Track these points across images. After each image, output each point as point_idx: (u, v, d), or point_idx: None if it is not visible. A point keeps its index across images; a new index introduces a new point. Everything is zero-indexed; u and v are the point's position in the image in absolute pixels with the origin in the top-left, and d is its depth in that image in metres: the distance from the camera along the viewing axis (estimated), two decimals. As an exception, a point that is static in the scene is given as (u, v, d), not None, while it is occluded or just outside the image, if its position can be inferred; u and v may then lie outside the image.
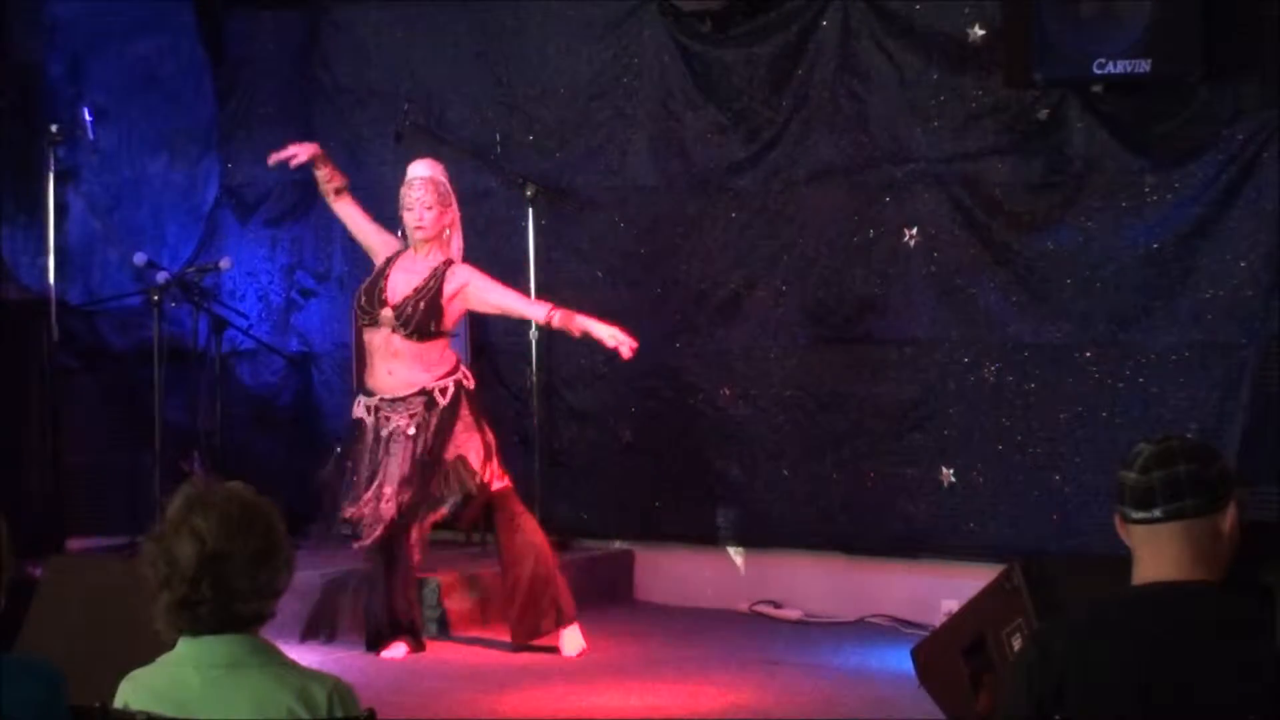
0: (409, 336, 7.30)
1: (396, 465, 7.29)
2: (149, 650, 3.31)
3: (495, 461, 7.41)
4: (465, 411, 7.34)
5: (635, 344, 7.28)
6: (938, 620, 6.81)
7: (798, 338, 8.20)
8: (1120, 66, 7.00)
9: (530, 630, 7.47)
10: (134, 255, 8.86)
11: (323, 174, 7.58)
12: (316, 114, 9.45)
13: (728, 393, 8.38)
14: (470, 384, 7.41)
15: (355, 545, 7.42)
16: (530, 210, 8.59)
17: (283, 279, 9.56)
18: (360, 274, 8.04)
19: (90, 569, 5.81)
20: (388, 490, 7.28)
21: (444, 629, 7.85)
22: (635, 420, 8.64)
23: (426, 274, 7.35)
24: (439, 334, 7.35)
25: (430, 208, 7.38)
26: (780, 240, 8.24)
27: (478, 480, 7.34)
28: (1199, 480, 3.07)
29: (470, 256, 7.59)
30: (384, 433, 7.33)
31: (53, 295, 8.55)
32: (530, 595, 7.44)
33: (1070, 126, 7.48)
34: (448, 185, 7.49)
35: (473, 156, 8.69)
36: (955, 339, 7.78)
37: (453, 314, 7.40)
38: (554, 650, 7.47)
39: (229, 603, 3.17)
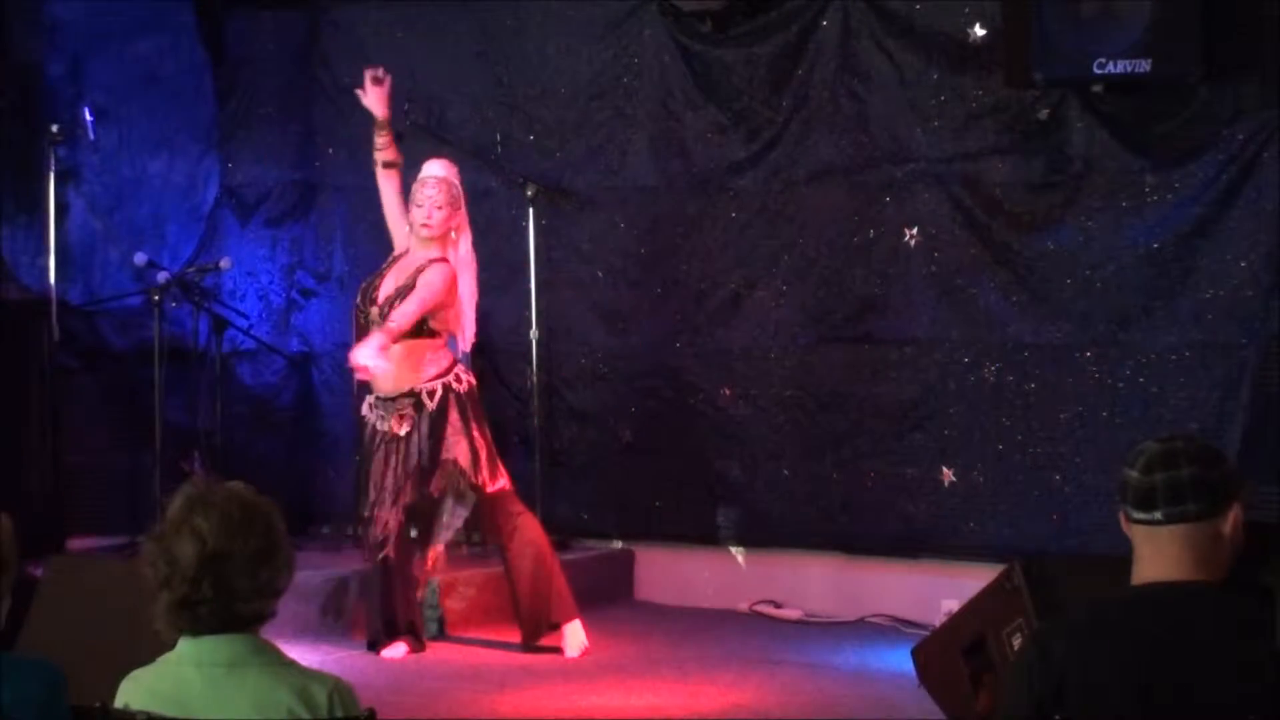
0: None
1: (391, 468, 7.31)
2: (149, 650, 3.31)
3: (492, 463, 7.41)
4: (454, 415, 7.33)
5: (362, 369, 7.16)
6: (938, 620, 6.81)
7: (798, 338, 8.21)
8: (1120, 66, 7.00)
9: (538, 629, 7.47)
10: (134, 255, 8.86)
11: (381, 140, 7.58)
12: (317, 114, 9.45)
13: (728, 393, 8.38)
14: (461, 387, 7.38)
15: (367, 553, 7.46)
16: (530, 210, 8.59)
17: (283, 279, 9.56)
18: (360, 274, 8.05)
19: (90, 569, 5.80)
20: (387, 496, 7.30)
21: (444, 629, 7.85)
22: (635, 420, 8.64)
23: (411, 271, 7.36)
24: (422, 333, 7.32)
25: (440, 207, 7.38)
26: (780, 240, 8.24)
27: (467, 482, 7.34)
28: (1202, 483, 3.07)
29: (471, 257, 7.60)
30: (381, 430, 7.35)
31: (53, 295, 8.56)
32: (534, 594, 7.45)
33: (1070, 126, 7.48)
34: (459, 188, 7.48)
35: (473, 156, 8.69)
36: (955, 339, 7.78)
37: (435, 313, 7.35)
38: (555, 650, 7.47)
39: (229, 602, 3.17)
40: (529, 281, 8.58)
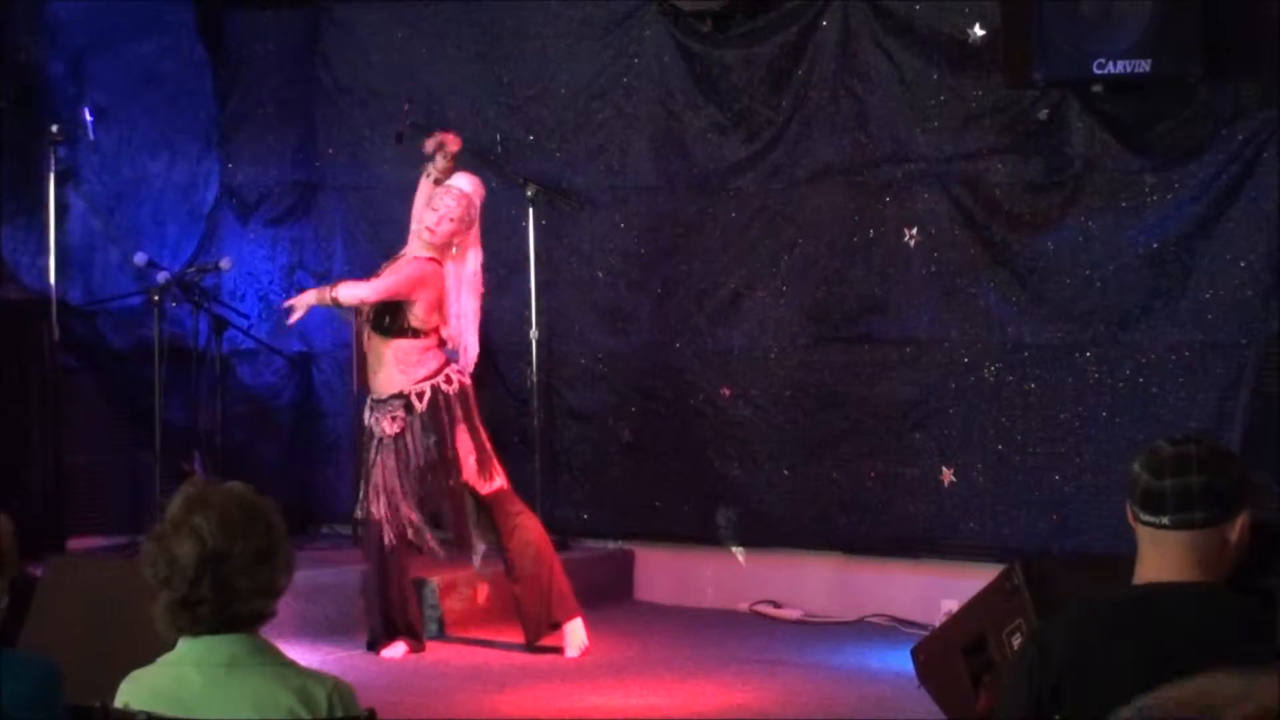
0: (375, 331, 7.35)
1: (389, 469, 7.32)
2: (149, 650, 3.31)
3: (487, 465, 7.41)
4: (443, 417, 7.33)
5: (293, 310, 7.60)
6: (938, 620, 6.81)
7: (798, 338, 8.20)
8: (1120, 66, 7.00)
9: (541, 628, 7.47)
10: (134, 255, 8.86)
11: (443, 164, 7.57)
12: (317, 114, 9.45)
13: (728, 393, 8.38)
14: (451, 388, 7.38)
15: (367, 553, 7.48)
16: (530, 210, 8.59)
17: (283, 279, 9.56)
18: (360, 274, 8.05)
19: (90, 569, 5.81)
20: (385, 497, 7.31)
21: (443, 629, 7.85)
22: (635, 420, 8.64)
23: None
24: (404, 331, 7.32)
25: (452, 220, 7.38)
26: (780, 240, 8.24)
27: (452, 482, 7.35)
28: (1211, 491, 3.05)
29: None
30: (376, 434, 7.37)
31: (53, 295, 8.56)
32: (535, 594, 7.45)
33: (1070, 126, 7.47)
34: (478, 210, 7.48)
35: (473, 156, 8.69)
36: (955, 339, 7.78)
37: (414, 310, 7.36)
38: (555, 650, 7.47)
39: (229, 602, 3.17)
40: (529, 281, 8.58)
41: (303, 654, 6.77)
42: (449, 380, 7.37)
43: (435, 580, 7.86)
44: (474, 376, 7.60)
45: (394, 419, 7.32)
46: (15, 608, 3.80)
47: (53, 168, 8.59)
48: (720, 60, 8.38)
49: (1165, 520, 3.06)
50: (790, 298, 8.21)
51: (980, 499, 7.73)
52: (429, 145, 7.63)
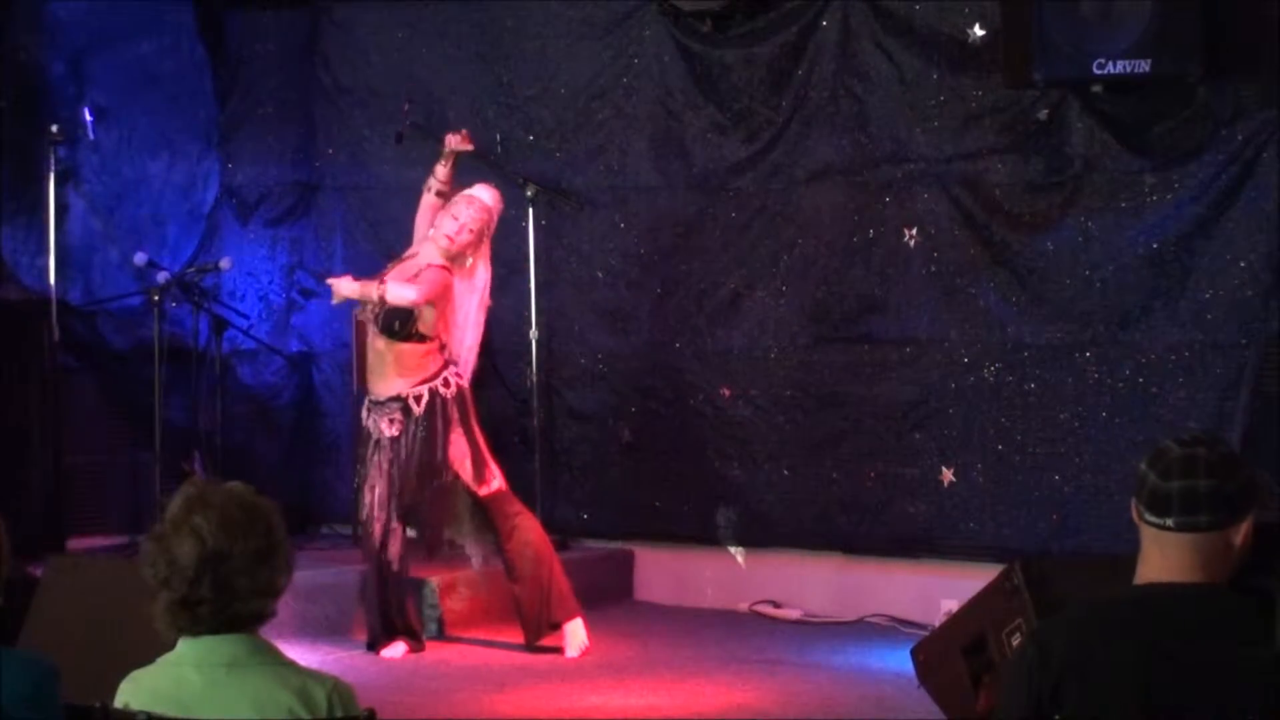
0: (382, 334, 7.33)
1: (387, 470, 7.32)
2: (149, 650, 3.30)
3: (483, 467, 7.41)
4: (438, 420, 7.34)
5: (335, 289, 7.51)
6: (938, 620, 6.81)
7: (798, 338, 8.20)
8: (1120, 66, 7.00)
9: (541, 628, 7.47)
10: (134, 255, 8.86)
11: (444, 173, 7.57)
12: (317, 114, 9.46)
13: (728, 393, 8.38)
14: (449, 391, 7.38)
15: (366, 553, 7.48)
16: (530, 210, 8.58)
17: (283, 279, 9.56)
18: (360, 273, 8.03)
19: (90, 569, 5.80)
20: (384, 497, 7.32)
21: (443, 629, 7.85)
22: (635, 420, 8.64)
23: (413, 273, 7.39)
24: (411, 335, 7.32)
25: (471, 231, 7.40)
26: (780, 240, 8.24)
27: (439, 483, 7.36)
28: (1218, 496, 3.04)
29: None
30: (374, 436, 7.38)
31: (53, 295, 8.56)
32: (535, 594, 7.45)
33: (1070, 126, 7.47)
34: (495, 224, 7.49)
35: (473, 156, 8.69)
36: (955, 339, 7.78)
37: (425, 317, 7.35)
38: (555, 650, 7.47)
39: (229, 602, 3.17)
40: (529, 282, 8.57)
41: (303, 654, 6.78)
42: (446, 384, 7.38)
43: (435, 580, 7.86)
44: (473, 378, 7.61)
45: (392, 421, 7.33)
46: (15, 608, 3.81)
47: (53, 168, 8.59)
48: (720, 60, 8.38)
49: (1170, 522, 3.05)
50: (790, 298, 8.21)
51: (980, 499, 7.73)
52: (452, 142, 7.60)
